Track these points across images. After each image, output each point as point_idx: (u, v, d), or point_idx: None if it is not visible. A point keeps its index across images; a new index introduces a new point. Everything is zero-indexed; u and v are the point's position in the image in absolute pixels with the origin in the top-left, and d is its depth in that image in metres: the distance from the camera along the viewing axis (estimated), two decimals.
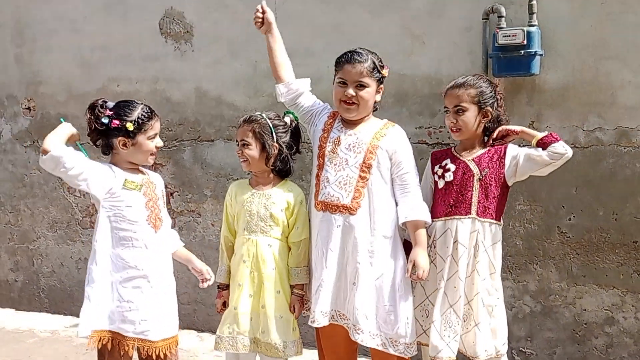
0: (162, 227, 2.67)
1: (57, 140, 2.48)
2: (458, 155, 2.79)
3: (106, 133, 2.59)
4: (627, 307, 3.29)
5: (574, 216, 3.34)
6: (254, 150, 2.76)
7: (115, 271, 2.55)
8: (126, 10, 4.23)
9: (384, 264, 2.72)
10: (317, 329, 2.80)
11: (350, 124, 2.80)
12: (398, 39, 3.58)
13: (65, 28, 4.41)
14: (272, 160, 2.78)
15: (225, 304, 2.84)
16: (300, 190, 2.87)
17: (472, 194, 2.70)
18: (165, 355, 2.59)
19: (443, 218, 2.73)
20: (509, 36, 3.20)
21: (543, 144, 2.64)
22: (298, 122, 2.91)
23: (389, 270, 2.72)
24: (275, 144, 2.76)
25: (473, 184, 2.71)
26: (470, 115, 2.72)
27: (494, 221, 2.72)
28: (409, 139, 2.88)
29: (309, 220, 2.83)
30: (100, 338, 2.50)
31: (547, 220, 3.39)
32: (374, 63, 2.73)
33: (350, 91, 2.72)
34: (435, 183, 2.81)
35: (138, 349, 2.57)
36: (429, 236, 2.76)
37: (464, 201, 2.70)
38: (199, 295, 4.17)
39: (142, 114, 2.59)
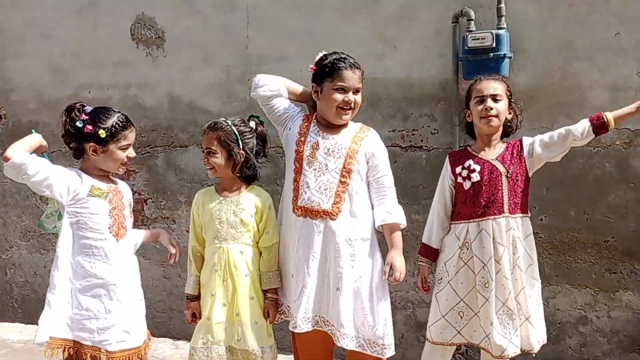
0: (125, 237, 2.64)
1: (19, 148, 2.45)
2: (478, 155, 2.80)
3: (79, 137, 2.57)
4: (600, 306, 3.32)
5: (545, 216, 3.37)
6: (219, 158, 2.74)
7: (76, 279, 2.52)
8: (97, 16, 4.19)
9: (362, 267, 2.73)
10: (293, 333, 2.80)
11: (328, 128, 2.81)
12: (370, 43, 3.59)
13: (36, 34, 4.36)
14: (238, 167, 2.76)
15: (195, 315, 2.81)
16: (268, 194, 2.86)
17: (502, 193, 2.73)
18: None
19: (477, 220, 2.74)
20: (478, 39, 3.23)
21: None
22: (264, 127, 2.89)
23: (367, 272, 2.74)
24: (242, 150, 2.75)
25: (502, 183, 2.74)
26: (504, 105, 2.79)
27: (524, 214, 2.77)
28: (383, 142, 2.90)
29: (285, 225, 2.82)
30: (63, 346, 2.47)
31: None
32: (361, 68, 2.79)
33: (352, 97, 2.73)
34: (459, 185, 2.80)
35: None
36: (457, 239, 2.78)
37: (496, 201, 2.72)
38: (174, 303, 4.13)
39: (116, 123, 2.57)
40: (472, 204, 2.76)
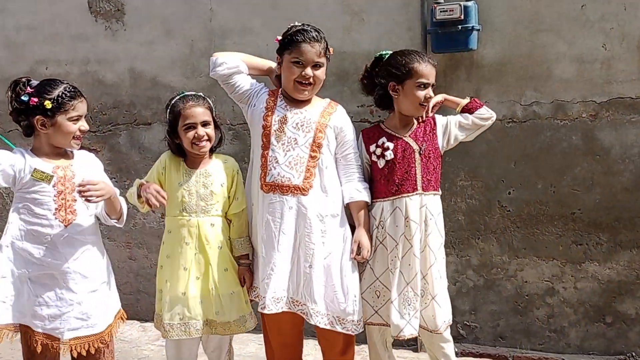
0: (75, 221, 2.49)
1: None
2: (394, 133, 2.77)
3: (26, 112, 2.45)
4: (567, 278, 3.36)
5: (513, 190, 3.38)
6: (213, 130, 2.72)
7: (24, 266, 2.43)
8: None
9: (332, 243, 2.71)
10: (262, 314, 2.75)
11: (295, 102, 2.75)
12: (337, 15, 3.52)
13: None
14: (221, 136, 2.76)
15: (157, 191, 2.59)
16: (233, 159, 2.83)
17: (415, 170, 2.70)
18: (95, 351, 2.50)
19: (391, 198, 2.72)
20: (447, 11, 3.19)
21: (468, 110, 2.77)
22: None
23: (338, 249, 2.72)
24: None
25: (415, 160, 2.71)
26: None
27: (436, 192, 2.76)
28: (351, 117, 2.87)
29: (250, 203, 2.79)
30: (15, 331, 2.41)
31: (487, 195, 3.42)
32: (325, 41, 2.70)
33: (309, 71, 2.66)
34: (374, 163, 2.78)
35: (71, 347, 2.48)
36: (374, 218, 2.76)
37: (409, 178, 2.70)
38: (142, 284, 4.05)
39: (63, 93, 2.45)
40: (387, 182, 2.74)
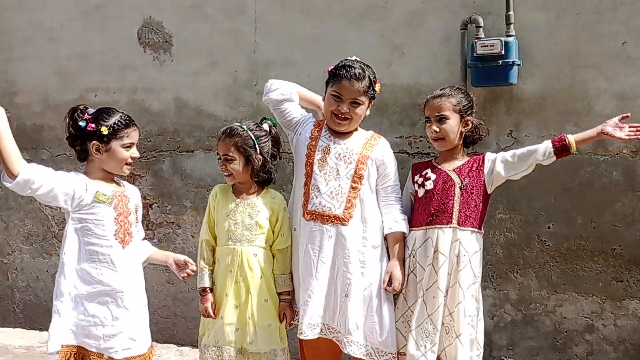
0: (131, 243, 2.61)
1: (17, 160, 2.36)
2: (438, 166, 2.82)
3: (82, 137, 2.57)
4: (607, 315, 3.31)
5: (553, 224, 3.37)
6: (237, 164, 2.74)
7: (82, 285, 2.50)
8: (104, 19, 4.19)
9: (373, 274, 2.74)
10: (301, 340, 2.79)
11: (338, 133, 2.82)
12: (377, 49, 3.59)
13: (42, 37, 4.35)
14: (256, 171, 2.76)
15: (212, 307, 2.75)
16: (282, 197, 2.87)
17: (453, 203, 2.72)
18: None
19: (424, 227, 2.74)
20: (487, 46, 3.24)
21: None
22: (276, 128, 2.89)
23: (377, 280, 2.75)
24: (259, 155, 2.75)
25: (454, 193, 2.73)
26: (453, 124, 2.75)
27: (475, 229, 2.74)
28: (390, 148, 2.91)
29: (293, 228, 2.84)
30: (70, 352, 2.47)
31: (526, 228, 3.41)
32: (370, 81, 2.75)
33: (345, 107, 2.72)
34: (416, 192, 2.83)
35: None
36: (407, 247, 2.78)
37: (445, 210, 2.71)
38: (179, 308, 4.11)
39: (119, 121, 2.57)
40: (423, 212, 2.76)
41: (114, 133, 2.55)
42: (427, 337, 2.66)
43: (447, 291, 2.69)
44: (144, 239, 2.81)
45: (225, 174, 2.78)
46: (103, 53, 4.21)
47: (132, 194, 2.70)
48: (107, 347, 2.50)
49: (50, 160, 4.24)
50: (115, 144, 2.56)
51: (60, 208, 2.57)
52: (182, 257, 2.76)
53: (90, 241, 2.52)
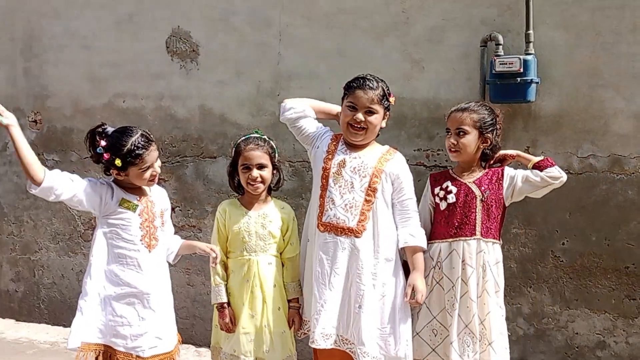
0: (157, 247, 2.70)
1: (38, 167, 2.45)
2: (458, 177, 2.86)
3: (101, 162, 2.63)
4: (619, 332, 3.33)
5: (567, 241, 3.40)
6: (269, 173, 2.84)
7: (110, 286, 2.60)
8: (136, 29, 4.34)
9: (386, 286, 2.79)
10: (315, 350, 2.85)
11: (354, 147, 2.87)
12: (399, 63, 3.67)
13: (76, 44, 4.51)
14: (278, 179, 2.90)
15: (232, 321, 2.82)
16: (290, 207, 2.98)
17: (475, 216, 2.78)
18: None
19: (449, 240, 2.80)
20: (506, 64, 3.30)
21: (539, 167, 2.76)
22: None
23: (390, 292, 2.80)
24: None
25: (476, 205, 2.79)
26: (471, 139, 2.80)
27: (496, 241, 2.82)
28: (407, 161, 2.98)
29: (306, 239, 2.91)
30: (97, 351, 2.55)
31: (541, 244, 3.45)
32: (383, 91, 2.83)
33: (360, 116, 2.79)
34: (437, 205, 2.87)
35: None
36: (431, 258, 2.83)
37: (469, 222, 2.78)
38: (197, 310, 4.21)
39: (134, 146, 2.56)
40: (446, 224, 2.81)
41: (129, 162, 2.57)
42: (468, 347, 2.73)
43: (477, 300, 2.76)
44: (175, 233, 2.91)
45: (257, 182, 2.81)
46: (133, 61, 4.35)
47: (158, 198, 2.78)
48: (134, 347, 2.59)
49: (79, 162, 4.37)
50: (132, 170, 2.60)
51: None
52: (206, 247, 2.81)
53: (118, 244, 2.62)
